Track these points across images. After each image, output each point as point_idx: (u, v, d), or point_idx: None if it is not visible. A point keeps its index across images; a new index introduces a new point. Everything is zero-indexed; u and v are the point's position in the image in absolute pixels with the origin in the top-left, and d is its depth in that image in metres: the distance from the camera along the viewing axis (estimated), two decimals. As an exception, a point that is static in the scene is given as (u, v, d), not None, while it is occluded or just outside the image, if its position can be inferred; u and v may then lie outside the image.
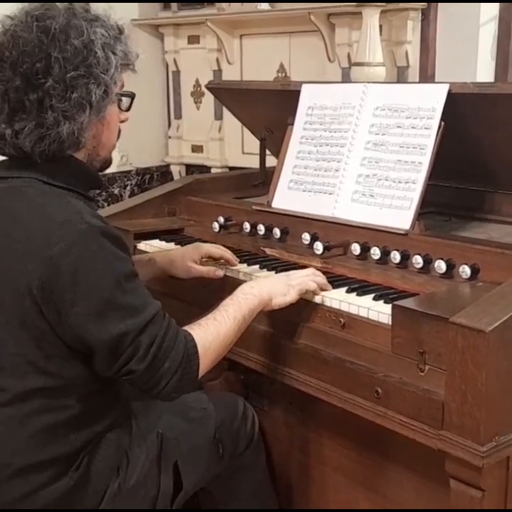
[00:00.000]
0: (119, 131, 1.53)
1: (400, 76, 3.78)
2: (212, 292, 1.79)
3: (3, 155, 1.44)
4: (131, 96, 1.51)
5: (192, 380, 1.41)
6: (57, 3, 1.40)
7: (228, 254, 1.90)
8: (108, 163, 1.53)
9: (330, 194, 1.90)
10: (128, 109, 1.52)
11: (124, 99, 1.50)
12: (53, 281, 1.30)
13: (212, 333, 1.45)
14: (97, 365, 1.38)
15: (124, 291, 1.34)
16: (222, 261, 1.90)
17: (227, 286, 1.80)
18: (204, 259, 1.89)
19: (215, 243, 2.07)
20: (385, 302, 1.55)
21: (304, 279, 1.64)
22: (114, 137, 1.51)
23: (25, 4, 1.40)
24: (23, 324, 1.35)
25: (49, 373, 1.38)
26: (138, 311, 1.35)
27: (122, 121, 1.52)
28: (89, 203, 1.45)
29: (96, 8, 1.45)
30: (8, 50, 1.34)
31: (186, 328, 1.44)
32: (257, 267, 1.87)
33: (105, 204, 4.63)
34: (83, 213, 1.35)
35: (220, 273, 1.82)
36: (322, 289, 1.65)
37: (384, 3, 3.44)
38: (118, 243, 1.37)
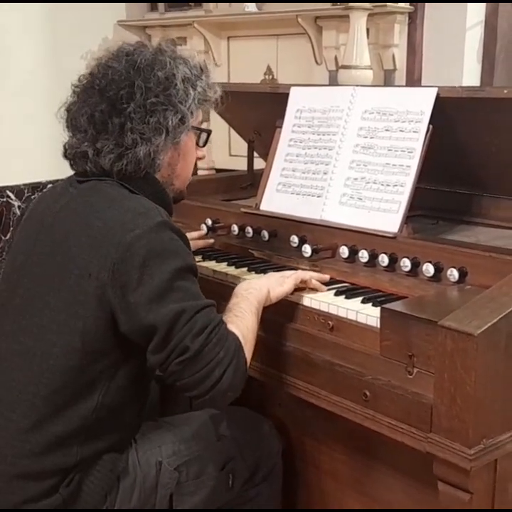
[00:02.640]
0: (195, 166, 1.63)
1: (387, 79, 3.78)
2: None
3: (84, 174, 1.52)
4: (208, 132, 1.62)
5: (243, 376, 1.41)
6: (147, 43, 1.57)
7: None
8: (181, 195, 1.64)
9: (318, 197, 1.90)
10: (204, 145, 1.64)
11: (201, 134, 1.62)
12: (124, 262, 1.36)
13: (242, 328, 1.45)
14: (151, 351, 1.37)
15: (187, 278, 1.41)
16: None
17: (213, 286, 1.80)
18: None
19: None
20: (374, 305, 1.55)
21: (298, 272, 1.69)
22: (189, 170, 1.62)
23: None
24: (75, 313, 1.38)
25: (77, 371, 1.39)
26: (196, 297, 1.41)
27: (199, 158, 1.64)
28: None
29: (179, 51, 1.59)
30: (99, 79, 1.49)
31: None
32: (245, 269, 1.87)
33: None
34: (159, 210, 1.45)
35: (210, 240, 2.04)
36: (320, 281, 1.70)
37: (371, 7, 3.45)
38: (186, 243, 1.48)
